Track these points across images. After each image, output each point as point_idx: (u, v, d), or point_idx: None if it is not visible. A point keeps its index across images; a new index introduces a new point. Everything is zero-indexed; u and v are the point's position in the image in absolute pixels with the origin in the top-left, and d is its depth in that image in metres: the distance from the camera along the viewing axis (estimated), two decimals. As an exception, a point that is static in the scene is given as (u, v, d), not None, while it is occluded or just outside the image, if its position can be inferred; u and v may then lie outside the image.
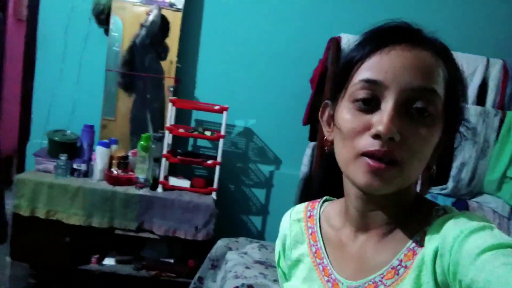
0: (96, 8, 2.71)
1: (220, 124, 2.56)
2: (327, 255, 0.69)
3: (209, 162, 2.58)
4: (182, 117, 2.82)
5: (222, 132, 2.54)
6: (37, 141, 2.78)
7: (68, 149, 2.54)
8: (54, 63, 2.77)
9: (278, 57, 2.85)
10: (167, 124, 2.58)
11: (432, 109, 0.56)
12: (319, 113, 0.70)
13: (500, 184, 2.49)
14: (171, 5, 2.77)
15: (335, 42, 2.46)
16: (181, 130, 2.62)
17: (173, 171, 2.73)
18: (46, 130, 2.71)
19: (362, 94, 0.58)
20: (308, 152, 2.66)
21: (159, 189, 2.52)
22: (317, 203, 0.77)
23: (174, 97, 2.65)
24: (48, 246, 2.41)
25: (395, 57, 0.57)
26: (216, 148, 2.76)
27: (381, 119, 0.55)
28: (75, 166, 2.50)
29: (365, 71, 0.58)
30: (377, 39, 0.60)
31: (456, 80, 0.60)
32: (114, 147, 2.62)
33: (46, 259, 2.43)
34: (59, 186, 2.37)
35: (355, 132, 0.58)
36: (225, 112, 2.53)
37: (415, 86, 0.55)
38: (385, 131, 0.54)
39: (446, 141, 0.62)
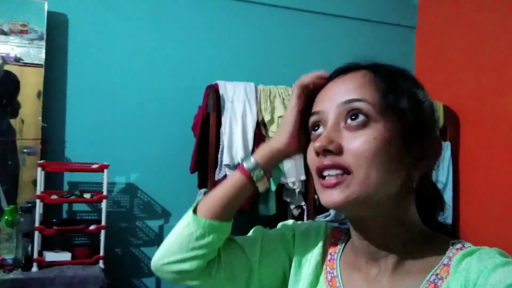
0: None
1: (97, 184, 2.38)
2: (342, 284, 0.68)
3: (93, 227, 2.32)
4: (51, 181, 2.49)
5: (105, 192, 2.32)
6: None
7: None
8: None
9: (156, 107, 2.74)
10: (37, 192, 2.25)
11: (364, 113, 0.59)
12: None
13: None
14: (17, 60, 2.53)
15: (213, 89, 2.51)
16: (54, 197, 2.31)
17: (48, 244, 2.36)
18: None
19: (312, 125, 0.66)
20: (199, 199, 2.60)
21: (34, 268, 2.14)
22: (344, 231, 0.77)
23: (42, 161, 2.34)
24: None
25: (331, 87, 0.65)
26: (95, 211, 2.54)
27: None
28: None
29: (314, 108, 0.67)
30: (325, 81, 0.69)
31: (391, 84, 0.61)
32: (-31, 227, 2.17)
33: None
34: None
35: (313, 161, 0.63)
36: (105, 170, 2.33)
37: (345, 100, 0.61)
38: (319, 144, 0.59)
39: (417, 145, 0.61)
